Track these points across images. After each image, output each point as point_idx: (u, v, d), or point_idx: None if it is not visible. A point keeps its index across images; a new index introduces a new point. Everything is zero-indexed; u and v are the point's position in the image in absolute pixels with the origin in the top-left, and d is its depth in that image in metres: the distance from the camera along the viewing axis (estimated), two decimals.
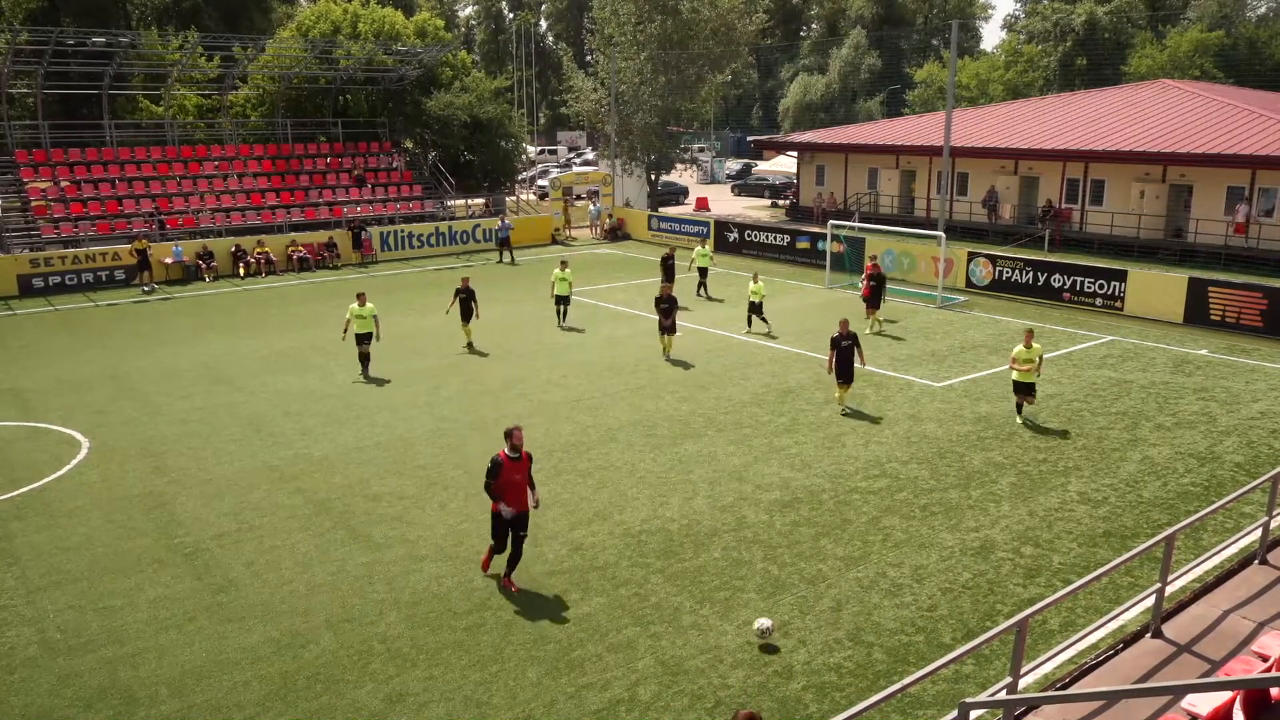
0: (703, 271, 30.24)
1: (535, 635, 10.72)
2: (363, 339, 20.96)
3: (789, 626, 10.86)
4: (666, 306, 22.45)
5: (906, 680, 7.05)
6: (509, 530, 11.66)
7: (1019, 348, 17.61)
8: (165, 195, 37.57)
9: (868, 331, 24.81)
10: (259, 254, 35.12)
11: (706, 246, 31.48)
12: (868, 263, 26.73)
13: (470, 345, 23.73)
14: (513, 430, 11.56)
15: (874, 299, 25.44)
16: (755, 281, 25.13)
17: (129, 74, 42.02)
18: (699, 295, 29.91)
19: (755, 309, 25.04)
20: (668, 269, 28.21)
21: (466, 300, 23.53)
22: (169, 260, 33.43)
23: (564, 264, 26.25)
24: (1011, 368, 17.72)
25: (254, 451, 16.60)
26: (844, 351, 18.24)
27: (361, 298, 21.00)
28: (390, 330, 25.81)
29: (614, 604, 11.39)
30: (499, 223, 39.43)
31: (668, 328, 22.50)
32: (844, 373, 18.33)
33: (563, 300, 25.95)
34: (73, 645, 10.58)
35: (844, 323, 18.46)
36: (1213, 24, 75.13)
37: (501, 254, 38.49)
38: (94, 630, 10.87)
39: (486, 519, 13.77)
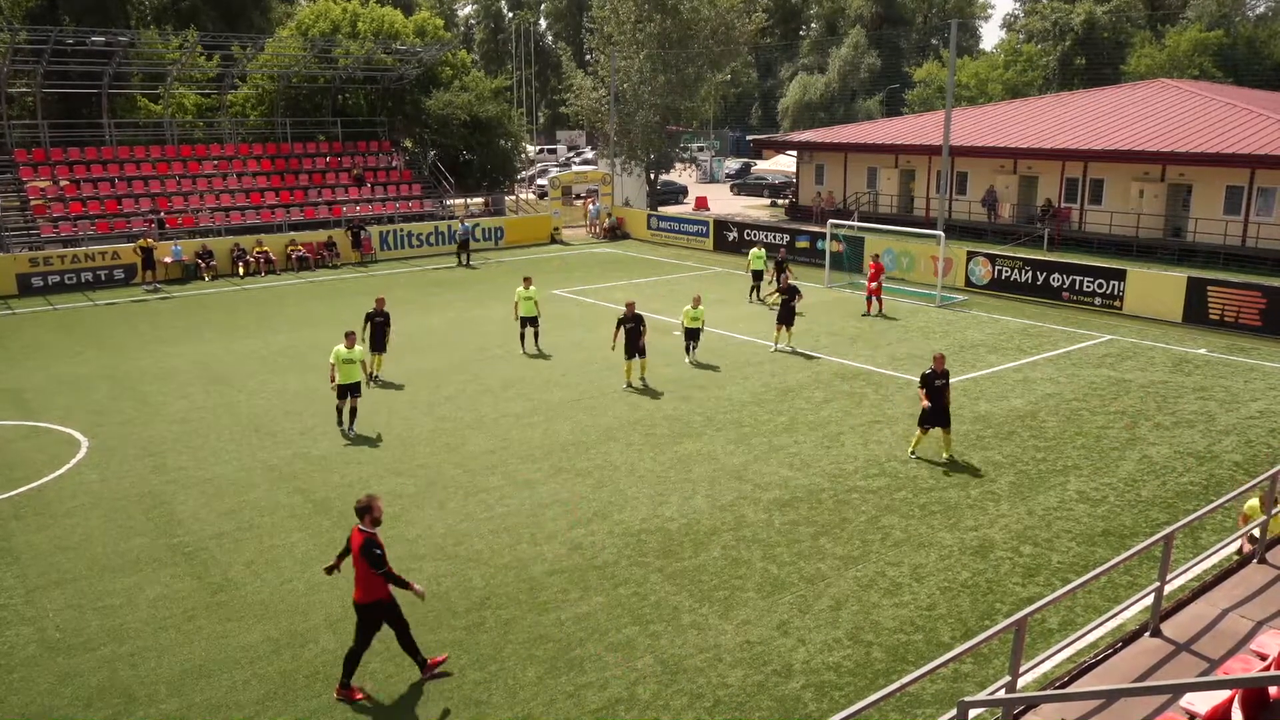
0: (757, 275, 29.63)
1: (534, 634, 10.72)
2: (347, 391, 17.12)
3: (788, 625, 10.87)
4: (633, 326, 19.91)
5: (905, 679, 7.04)
6: (379, 626, 9.66)
7: (1252, 502, 11.06)
8: (164, 194, 37.54)
9: (774, 348, 23.05)
10: (258, 253, 35.10)
11: (760, 250, 30.32)
12: (783, 276, 25.46)
13: (375, 377, 20.30)
14: (373, 503, 9.58)
15: (787, 315, 22.87)
16: (695, 306, 21.69)
17: (128, 73, 41.99)
18: (751, 301, 29.32)
19: (692, 336, 21.90)
20: (780, 273, 28.05)
21: (381, 325, 20.61)
22: (168, 259, 33.42)
23: (528, 281, 23.06)
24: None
25: (253, 451, 16.60)
26: (938, 391, 15.62)
27: (350, 338, 17.27)
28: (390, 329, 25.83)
29: (613, 603, 11.39)
30: (459, 225, 38.39)
31: (639, 350, 20.02)
32: (938, 416, 15.73)
33: (529, 322, 22.95)
34: (72, 644, 10.58)
35: (939, 358, 15.89)
36: (1211, 23, 75.14)
37: (460, 257, 37.34)
38: (93, 629, 10.87)
39: (487, 517, 13.84)
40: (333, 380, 17.07)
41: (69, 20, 44.47)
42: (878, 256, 28.95)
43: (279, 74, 43.91)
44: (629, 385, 20.19)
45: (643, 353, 20.14)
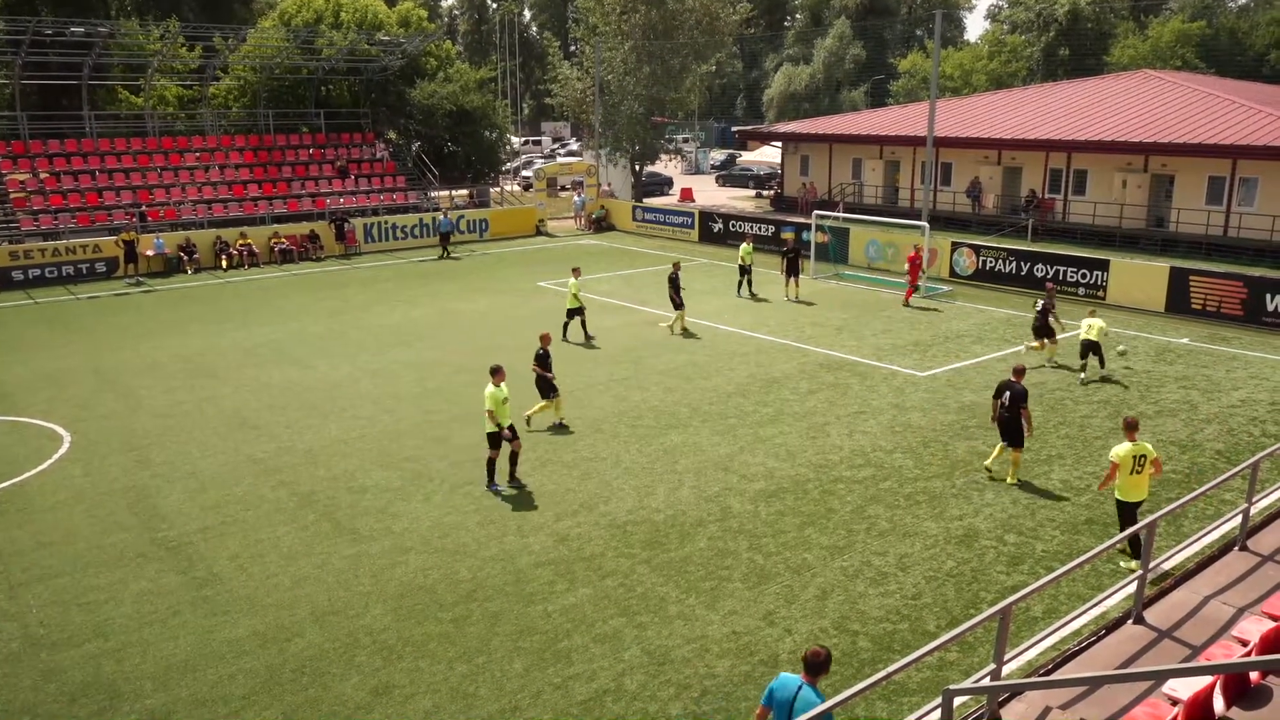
0: (744, 270, 28.84)
1: (522, 626, 10.72)
2: (499, 439, 14.37)
3: (774, 616, 10.90)
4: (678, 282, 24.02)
5: (891, 668, 7.09)
6: None
7: (1123, 446, 11.68)
8: (146, 187, 37.23)
9: (1046, 363, 21.10)
10: (241, 246, 34.89)
11: (749, 245, 29.32)
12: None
13: (561, 423, 17.44)
14: None
15: (1043, 330, 20.83)
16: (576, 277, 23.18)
17: (108, 64, 41.58)
18: (740, 295, 28.85)
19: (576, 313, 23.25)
20: (790, 261, 28.49)
21: (545, 360, 17.12)
22: (150, 252, 33.18)
23: (576, 271, 23.47)
24: (1111, 479, 11.84)
25: (238, 445, 16.51)
26: (1014, 399, 14.25)
27: (499, 375, 14.36)
28: (375, 322, 25.79)
29: (600, 595, 11.40)
30: (439, 216, 38.55)
31: (680, 303, 24.00)
32: (1010, 432, 14.40)
33: (576, 312, 23.21)
34: (56, 640, 10.52)
35: (1019, 370, 14.57)
36: (1194, 14, 75.62)
37: (442, 249, 37.35)
38: (77, 625, 10.80)
39: (473, 510, 13.82)
40: (500, 428, 14.19)
41: (47, 11, 43.97)
42: (917, 247, 28.93)
43: (261, 65, 43.54)
44: (681, 332, 24.19)
45: (681, 305, 24.10)
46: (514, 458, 14.64)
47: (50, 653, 10.28)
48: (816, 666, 6.92)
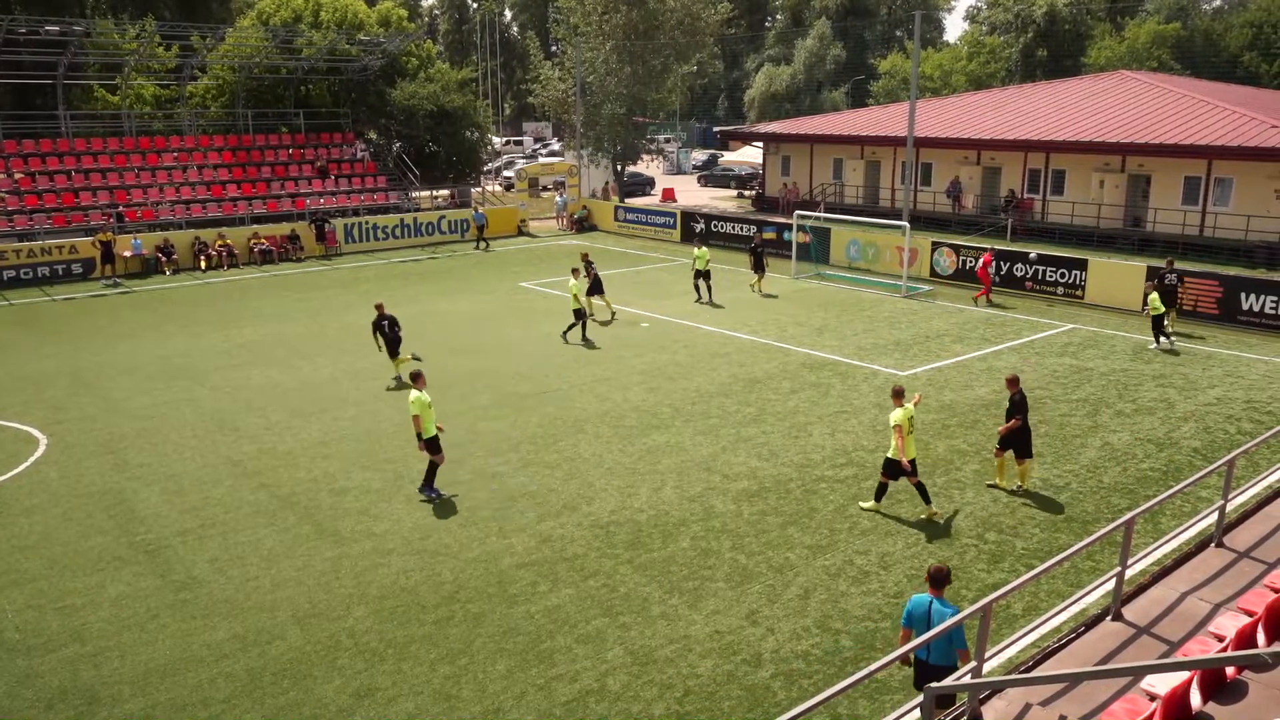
0: (701, 275, 28.02)
1: (504, 628, 10.70)
2: (437, 444, 14.10)
3: (757, 615, 10.92)
4: (594, 272, 25.51)
5: (873, 666, 7.12)
6: None
7: (900, 411, 13.07)
8: (123, 187, 36.87)
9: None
10: (220, 246, 34.62)
11: (703, 250, 28.36)
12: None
13: (398, 379, 19.92)
14: None
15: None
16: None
17: (84, 63, 41.15)
18: (699, 301, 28.01)
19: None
20: (757, 258, 29.20)
21: (386, 327, 20.11)
22: (128, 253, 32.86)
23: (575, 271, 23.79)
24: (897, 438, 13.05)
25: (217, 446, 16.39)
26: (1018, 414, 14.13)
27: (420, 379, 14.13)
28: (355, 323, 25.62)
29: (583, 595, 11.39)
30: (475, 211, 41.39)
31: (601, 289, 25.79)
32: (1027, 442, 14.23)
33: (582, 313, 23.25)
34: (32, 645, 10.40)
35: (1013, 380, 14.34)
36: (1169, 16, 76.42)
37: (479, 243, 39.74)
38: (54, 630, 10.69)
39: (455, 511, 13.76)
40: (433, 436, 13.96)
41: (21, 9, 43.43)
42: (988, 250, 29.09)
43: (240, 64, 43.19)
44: (610, 320, 25.52)
45: (602, 291, 25.58)
46: (434, 469, 14.18)
47: (26, 658, 10.16)
48: (941, 580, 8.19)
